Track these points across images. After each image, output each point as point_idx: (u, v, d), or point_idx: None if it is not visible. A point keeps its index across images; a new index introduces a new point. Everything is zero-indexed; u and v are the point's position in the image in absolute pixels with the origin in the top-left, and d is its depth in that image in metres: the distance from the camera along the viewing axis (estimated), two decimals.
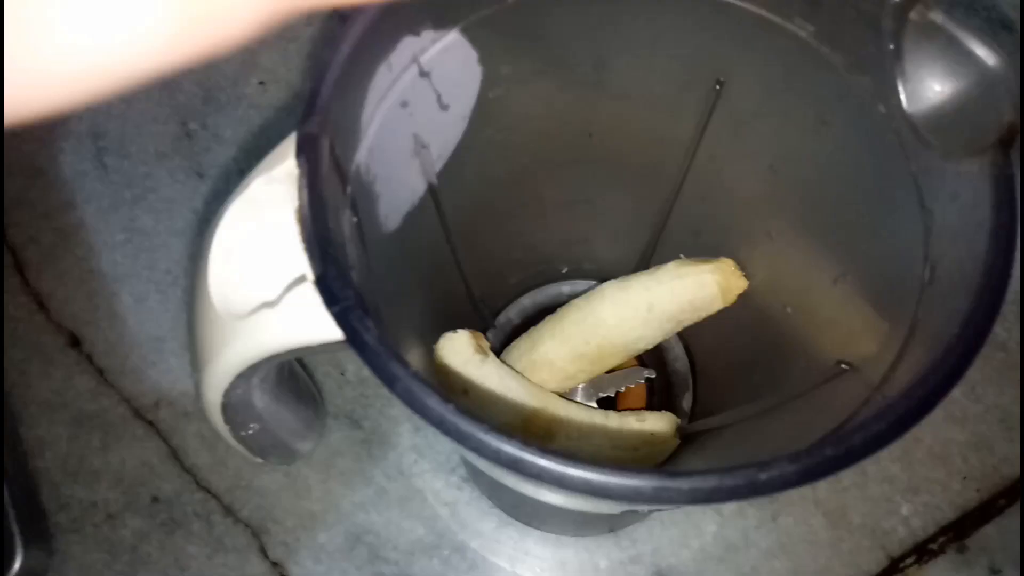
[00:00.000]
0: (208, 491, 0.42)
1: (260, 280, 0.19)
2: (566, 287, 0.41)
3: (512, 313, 0.40)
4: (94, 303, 0.45)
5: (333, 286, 0.17)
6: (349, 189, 0.22)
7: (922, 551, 0.40)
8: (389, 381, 0.16)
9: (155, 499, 0.41)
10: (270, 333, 0.18)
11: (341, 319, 0.17)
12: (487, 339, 0.40)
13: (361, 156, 0.22)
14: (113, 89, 0.11)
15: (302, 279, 0.18)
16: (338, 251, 0.19)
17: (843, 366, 0.24)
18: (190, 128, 0.49)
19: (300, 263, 0.18)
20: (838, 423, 0.21)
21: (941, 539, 0.41)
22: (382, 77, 0.23)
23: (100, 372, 0.44)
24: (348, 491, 0.41)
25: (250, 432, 0.25)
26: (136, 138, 0.49)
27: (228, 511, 0.41)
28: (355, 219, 0.22)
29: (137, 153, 0.48)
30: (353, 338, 0.17)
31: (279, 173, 0.19)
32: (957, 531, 0.41)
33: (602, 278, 0.39)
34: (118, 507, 0.41)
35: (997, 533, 0.40)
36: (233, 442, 0.26)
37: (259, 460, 0.27)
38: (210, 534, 0.41)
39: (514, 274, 0.39)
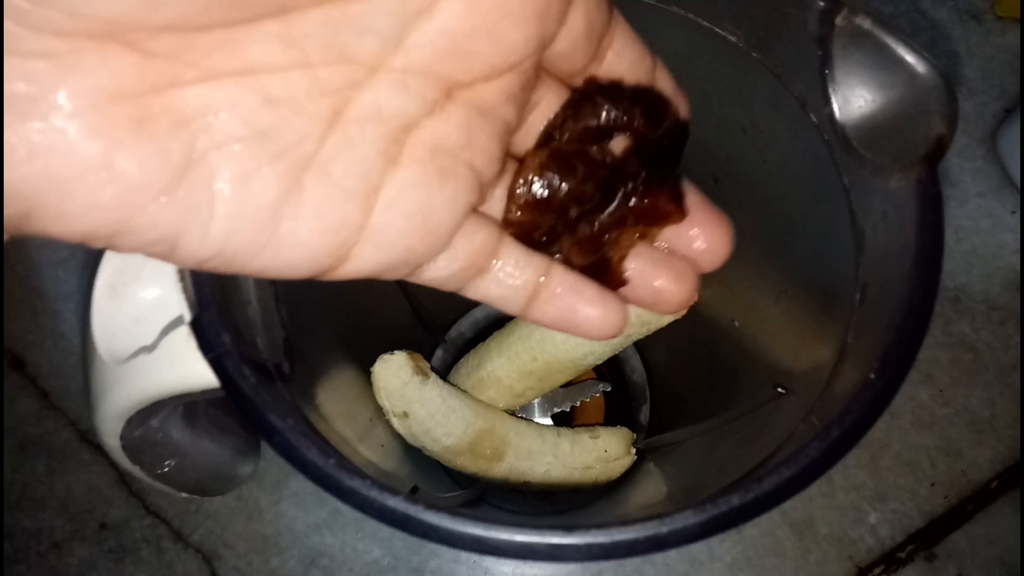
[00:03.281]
0: (158, 516, 0.40)
1: (140, 321, 0.18)
2: None
3: (464, 327, 0.39)
4: (37, 323, 0.44)
5: (208, 330, 0.16)
6: None
7: (890, 560, 0.39)
8: (266, 433, 0.15)
9: (103, 525, 0.40)
10: (147, 380, 0.17)
11: (216, 366, 0.16)
12: (437, 355, 0.39)
13: None
14: None
15: (179, 321, 0.17)
16: (227, 287, 0.18)
17: (780, 390, 0.22)
18: None
19: (180, 303, 0.17)
20: (772, 449, 0.20)
21: (909, 547, 0.40)
22: None
23: (44, 395, 0.42)
24: (302, 513, 0.40)
25: (166, 469, 0.24)
26: None
27: (178, 536, 0.40)
28: None
29: None
30: (228, 386, 0.16)
31: None
32: (925, 539, 0.40)
33: None
34: (64, 535, 0.40)
35: (966, 540, 0.39)
36: (151, 481, 0.24)
37: (183, 495, 0.26)
38: (160, 560, 0.40)
39: None
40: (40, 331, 0.44)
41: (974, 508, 0.40)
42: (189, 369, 0.16)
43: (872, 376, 0.15)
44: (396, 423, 0.31)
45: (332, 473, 0.15)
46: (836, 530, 0.40)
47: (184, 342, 0.16)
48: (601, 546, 0.15)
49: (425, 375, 0.31)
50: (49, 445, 0.41)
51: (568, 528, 0.15)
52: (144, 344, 0.17)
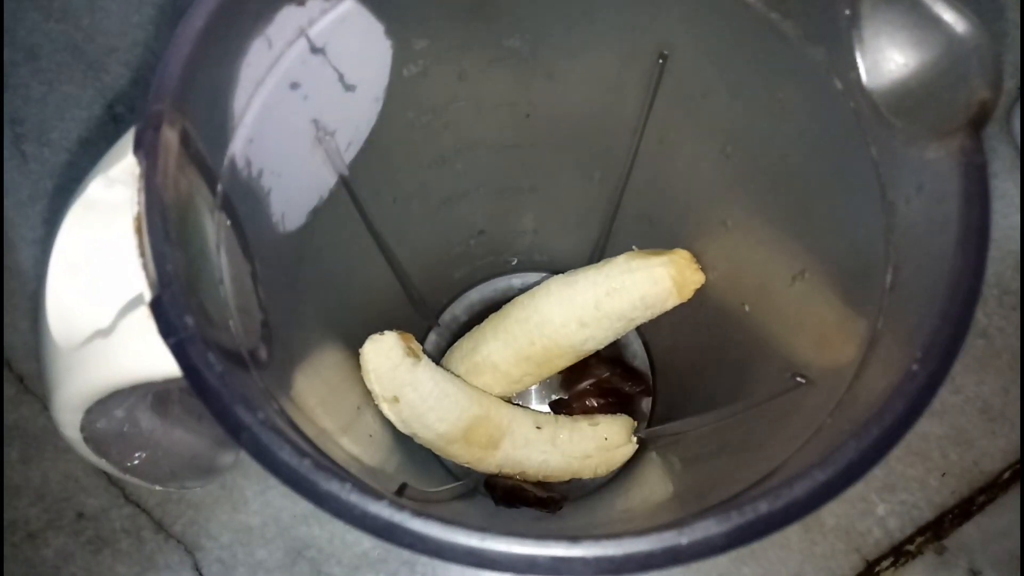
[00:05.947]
0: (138, 505, 0.39)
1: (95, 303, 0.16)
2: (517, 280, 0.38)
3: (458, 310, 0.38)
4: (13, 303, 0.42)
5: (169, 312, 0.14)
6: (220, 187, 0.19)
7: (899, 553, 0.38)
8: (232, 429, 0.14)
9: (80, 515, 0.39)
10: (103, 367, 0.15)
11: (178, 352, 0.14)
12: (430, 339, 0.37)
13: (237, 148, 0.19)
14: None
15: (139, 301, 0.15)
16: (195, 263, 0.16)
17: (799, 379, 0.21)
18: (117, 112, 0.46)
19: (139, 282, 0.15)
20: (796, 446, 0.18)
21: (918, 540, 0.38)
22: (258, 54, 0.19)
23: (20, 379, 0.41)
24: (288, 502, 0.39)
25: (136, 462, 0.22)
26: (58, 124, 0.45)
27: (159, 527, 0.38)
28: (228, 222, 0.19)
29: (59, 140, 0.45)
30: (190, 375, 0.14)
31: (118, 172, 0.16)
32: (935, 531, 0.38)
33: (555, 270, 0.36)
34: (40, 524, 0.38)
35: (977, 532, 0.38)
36: (122, 475, 0.23)
37: (158, 488, 0.24)
38: (140, 552, 0.38)
39: (458, 268, 0.36)
40: (16, 312, 0.42)
41: (985, 499, 0.38)
42: (149, 356, 0.15)
43: (915, 367, 0.14)
44: (386, 408, 0.29)
45: (306, 475, 0.13)
46: (843, 522, 0.38)
47: (143, 325, 0.15)
48: (611, 559, 0.13)
49: (417, 357, 0.29)
50: (24, 431, 0.40)
51: (574, 538, 0.13)
52: (100, 327, 0.15)
